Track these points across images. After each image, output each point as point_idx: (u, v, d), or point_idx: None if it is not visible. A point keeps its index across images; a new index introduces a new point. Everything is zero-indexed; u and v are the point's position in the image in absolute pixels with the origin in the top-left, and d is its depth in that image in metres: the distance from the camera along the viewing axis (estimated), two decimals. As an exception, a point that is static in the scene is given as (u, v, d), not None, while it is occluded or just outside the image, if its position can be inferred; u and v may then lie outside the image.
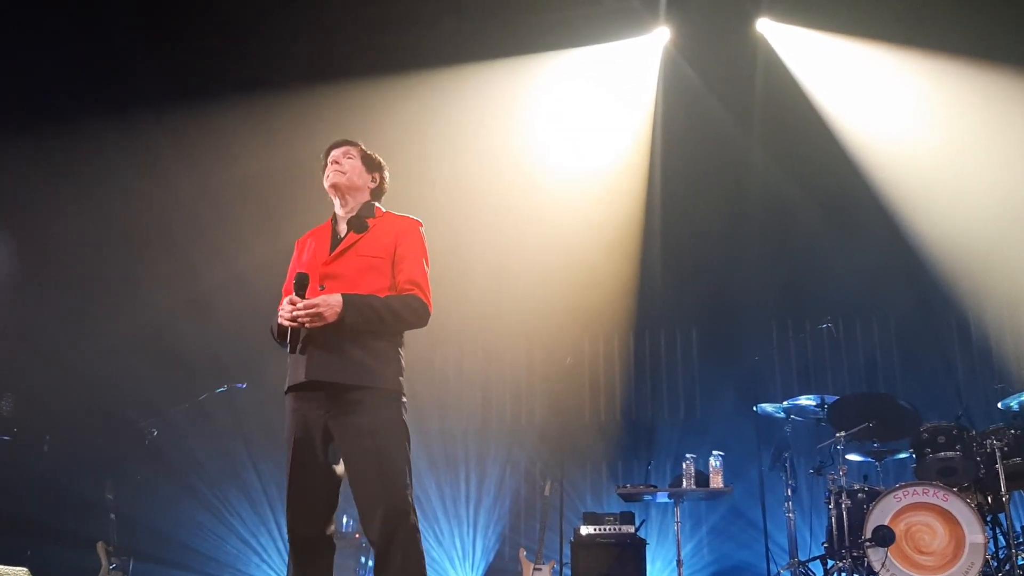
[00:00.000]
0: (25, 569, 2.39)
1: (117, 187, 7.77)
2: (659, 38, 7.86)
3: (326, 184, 3.57)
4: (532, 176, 8.05)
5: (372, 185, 3.64)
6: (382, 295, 3.35)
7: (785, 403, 6.54)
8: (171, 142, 7.73)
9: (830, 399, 6.34)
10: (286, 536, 3.37)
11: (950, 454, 5.76)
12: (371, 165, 3.65)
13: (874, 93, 7.62)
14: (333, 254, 3.43)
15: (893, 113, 7.61)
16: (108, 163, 7.76)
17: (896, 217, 7.60)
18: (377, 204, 3.64)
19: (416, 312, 3.38)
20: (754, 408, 6.65)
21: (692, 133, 7.92)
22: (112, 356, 7.66)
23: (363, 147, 3.68)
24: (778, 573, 6.27)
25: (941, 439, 5.81)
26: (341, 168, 3.55)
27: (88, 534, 6.84)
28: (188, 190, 7.81)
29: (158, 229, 7.95)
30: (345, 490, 3.46)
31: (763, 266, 7.91)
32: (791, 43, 7.74)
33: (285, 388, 3.40)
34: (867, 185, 7.65)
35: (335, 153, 3.60)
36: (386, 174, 3.71)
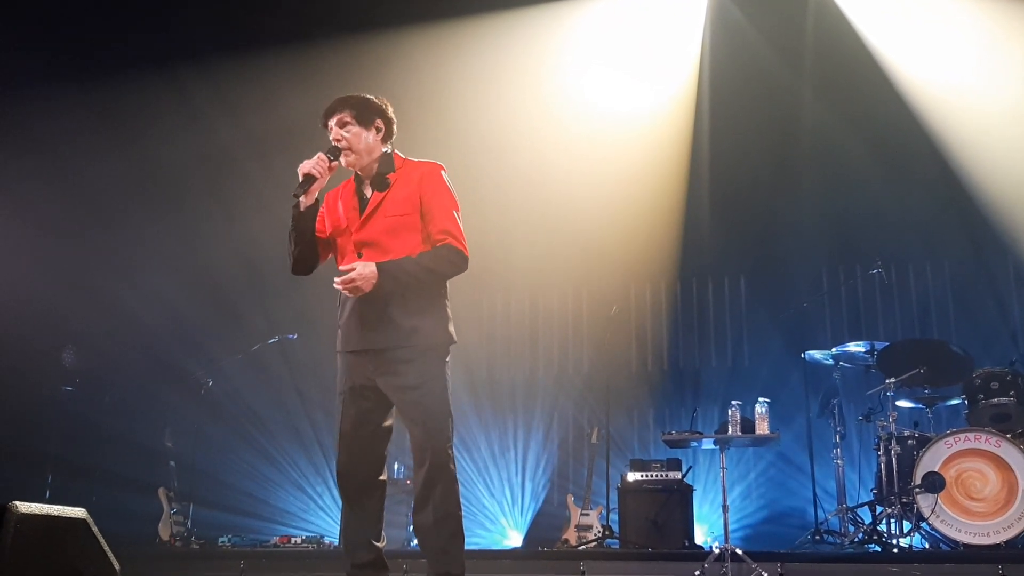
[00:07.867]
0: (83, 509, 2.48)
1: (162, 136, 7.86)
2: (705, -20, 7.72)
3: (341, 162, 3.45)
4: (577, 125, 7.97)
5: (379, 135, 3.48)
6: (417, 251, 3.37)
7: (834, 350, 6.49)
8: (212, 91, 7.77)
9: (880, 345, 6.27)
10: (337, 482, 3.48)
11: (1004, 400, 5.69)
12: (368, 116, 3.45)
13: (928, 33, 7.38)
14: (362, 219, 3.42)
15: (947, 54, 7.36)
16: (152, 112, 7.88)
17: (950, 159, 7.41)
18: (395, 152, 3.54)
19: (451, 262, 3.40)
20: (802, 355, 6.61)
21: (740, 78, 7.76)
22: (166, 306, 7.84)
23: (355, 103, 3.45)
24: (826, 519, 6.29)
25: (994, 385, 5.74)
26: (344, 143, 3.40)
27: (150, 480, 7.10)
28: (230, 139, 7.86)
29: (203, 178, 8.05)
30: (397, 438, 3.55)
31: (813, 211, 7.77)
32: (843, -18, 7.53)
33: (337, 348, 3.49)
34: (921, 127, 7.45)
35: (332, 126, 3.44)
36: (389, 113, 3.52)
